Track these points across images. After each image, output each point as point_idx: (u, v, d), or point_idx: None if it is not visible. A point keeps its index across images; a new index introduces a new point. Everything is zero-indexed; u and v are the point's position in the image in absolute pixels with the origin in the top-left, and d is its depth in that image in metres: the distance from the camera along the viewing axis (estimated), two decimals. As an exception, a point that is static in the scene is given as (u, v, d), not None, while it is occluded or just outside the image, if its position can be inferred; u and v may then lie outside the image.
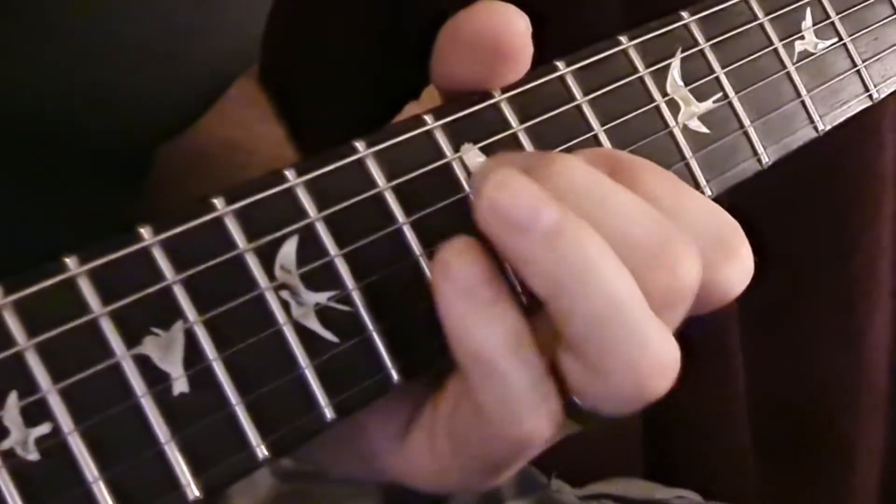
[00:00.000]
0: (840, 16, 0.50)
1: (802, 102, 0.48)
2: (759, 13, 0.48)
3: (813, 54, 0.49)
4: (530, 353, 0.39)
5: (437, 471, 0.42)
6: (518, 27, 0.41)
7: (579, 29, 0.73)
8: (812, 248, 0.87)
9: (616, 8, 0.75)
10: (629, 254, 0.39)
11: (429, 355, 0.40)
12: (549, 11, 0.75)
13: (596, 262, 0.38)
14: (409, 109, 0.44)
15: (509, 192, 0.38)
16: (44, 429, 0.34)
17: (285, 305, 0.38)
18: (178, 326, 0.36)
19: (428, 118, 0.41)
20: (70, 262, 0.35)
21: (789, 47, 0.48)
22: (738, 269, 0.42)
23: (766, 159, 0.47)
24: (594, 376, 0.39)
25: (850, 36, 0.50)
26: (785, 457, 0.90)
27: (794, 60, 0.48)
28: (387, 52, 0.76)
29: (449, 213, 0.40)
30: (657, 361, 0.39)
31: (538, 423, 0.39)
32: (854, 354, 0.89)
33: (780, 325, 0.88)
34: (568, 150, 0.43)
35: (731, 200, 0.78)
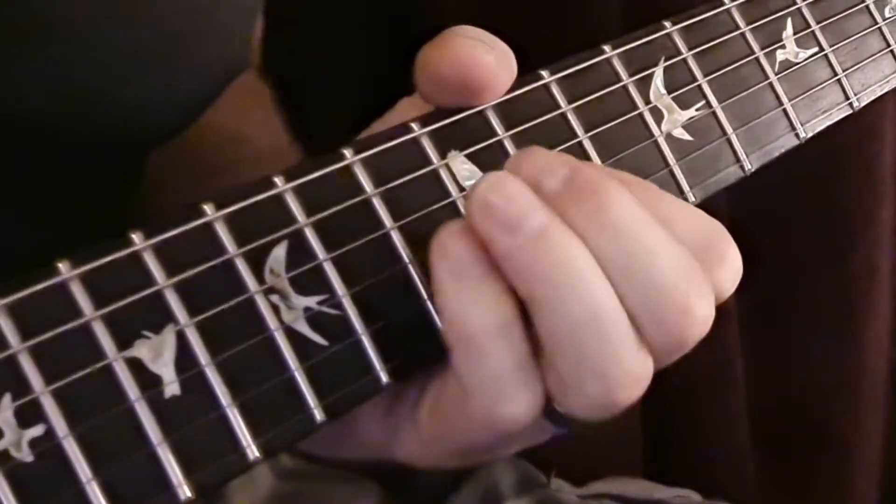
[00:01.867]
0: (820, 26, 0.50)
1: (784, 110, 0.48)
2: (741, 23, 0.48)
3: (794, 63, 0.49)
4: (515, 337, 0.40)
5: (418, 447, 0.43)
6: (484, 63, 0.42)
7: (578, 35, 0.74)
8: (812, 247, 0.87)
9: (615, 14, 0.76)
10: (649, 295, 0.40)
11: (418, 358, 0.41)
12: (548, 17, 0.75)
13: (576, 269, 0.39)
14: (390, 119, 0.44)
15: (503, 194, 0.39)
16: (37, 430, 0.35)
17: (275, 309, 0.39)
18: (170, 330, 0.37)
19: (415, 125, 0.42)
20: (62, 266, 0.36)
21: (771, 56, 0.49)
22: (727, 272, 0.42)
23: (749, 166, 0.47)
24: (568, 383, 0.40)
25: (830, 45, 0.50)
26: (785, 456, 0.89)
27: (776, 69, 0.49)
28: (386, 45, 0.77)
29: (436, 218, 0.41)
30: (629, 374, 0.40)
31: (517, 407, 0.40)
32: (854, 354, 0.89)
33: (779, 324, 0.88)
34: None
35: (731, 201, 0.79)
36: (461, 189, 0.42)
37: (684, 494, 0.83)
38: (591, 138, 0.44)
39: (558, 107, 0.44)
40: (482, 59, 0.42)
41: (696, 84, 0.47)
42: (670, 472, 0.85)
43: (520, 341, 0.40)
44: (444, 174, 0.42)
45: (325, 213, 0.40)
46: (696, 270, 0.40)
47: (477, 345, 0.39)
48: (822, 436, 0.89)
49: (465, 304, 0.39)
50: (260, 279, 0.38)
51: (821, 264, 0.87)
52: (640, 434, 0.85)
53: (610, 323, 0.39)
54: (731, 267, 0.42)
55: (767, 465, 0.88)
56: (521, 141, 0.43)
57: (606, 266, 0.39)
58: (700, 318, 0.40)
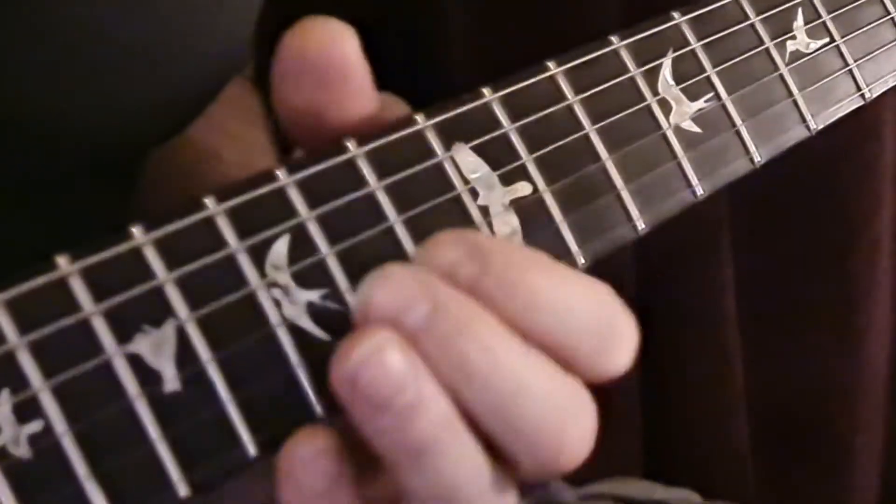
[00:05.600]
0: (831, 16, 0.50)
1: (794, 102, 0.48)
2: (751, 13, 0.48)
3: (805, 54, 0.49)
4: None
5: None
6: (346, 46, 0.40)
7: (578, 27, 0.73)
8: (812, 248, 0.87)
9: (615, 6, 0.75)
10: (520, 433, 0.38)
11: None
12: (548, 10, 0.75)
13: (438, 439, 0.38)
14: None
15: (374, 366, 0.37)
16: (36, 426, 0.34)
17: (277, 304, 0.38)
18: (170, 325, 0.37)
19: (419, 117, 0.41)
20: (62, 260, 0.35)
21: (781, 47, 0.49)
22: (627, 349, 0.41)
23: (759, 158, 0.47)
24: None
25: (841, 36, 0.50)
26: (784, 457, 0.90)
27: (787, 60, 0.49)
28: (377, 53, 0.76)
29: (440, 211, 0.40)
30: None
31: None
32: (853, 355, 0.89)
33: (779, 325, 0.88)
34: (560, 149, 0.43)
35: (730, 201, 0.78)
36: (465, 181, 0.42)
37: (684, 494, 0.83)
38: (598, 131, 0.44)
39: (565, 98, 0.44)
40: (344, 40, 0.40)
41: (704, 75, 0.46)
42: (670, 472, 0.85)
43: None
44: (448, 166, 0.41)
45: (328, 207, 0.39)
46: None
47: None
48: (822, 436, 0.89)
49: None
50: (262, 273, 0.38)
51: (821, 264, 0.87)
52: (640, 434, 0.85)
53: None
54: (630, 344, 0.41)
55: (767, 466, 0.89)
56: (526, 133, 0.43)
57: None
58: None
